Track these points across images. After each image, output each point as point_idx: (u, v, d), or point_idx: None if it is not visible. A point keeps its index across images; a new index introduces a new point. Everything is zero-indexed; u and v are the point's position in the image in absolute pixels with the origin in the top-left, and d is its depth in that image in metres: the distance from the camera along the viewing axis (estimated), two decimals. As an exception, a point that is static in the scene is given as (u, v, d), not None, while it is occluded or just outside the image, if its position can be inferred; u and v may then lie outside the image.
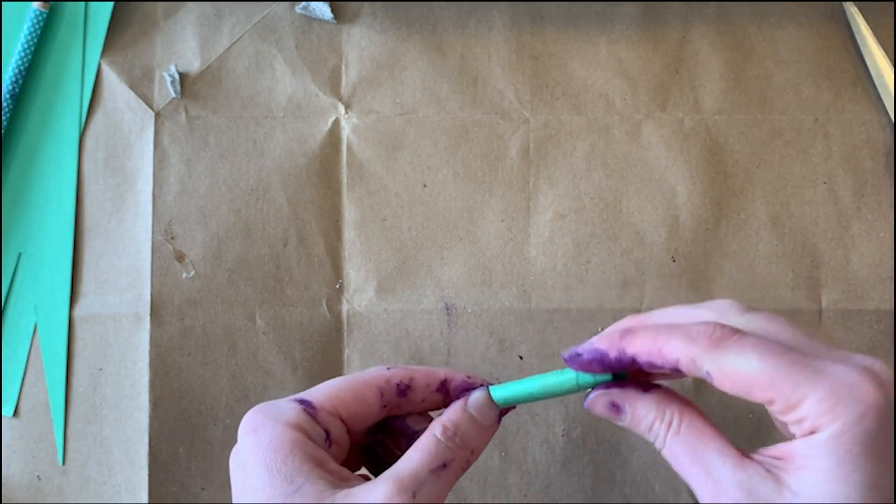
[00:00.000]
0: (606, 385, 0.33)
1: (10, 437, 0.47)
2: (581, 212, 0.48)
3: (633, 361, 0.32)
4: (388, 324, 0.48)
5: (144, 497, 0.46)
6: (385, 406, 0.35)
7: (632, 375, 0.34)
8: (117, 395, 0.47)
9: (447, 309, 0.48)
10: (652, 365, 0.31)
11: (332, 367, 0.47)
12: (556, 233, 0.48)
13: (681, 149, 0.48)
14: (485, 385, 0.36)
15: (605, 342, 0.32)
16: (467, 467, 0.34)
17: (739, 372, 0.29)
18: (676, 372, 0.31)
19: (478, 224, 0.48)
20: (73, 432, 0.47)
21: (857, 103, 0.48)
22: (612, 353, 0.32)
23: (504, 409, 0.36)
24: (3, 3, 0.48)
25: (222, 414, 0.47)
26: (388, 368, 0.35)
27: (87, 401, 0.47)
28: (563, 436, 0.47)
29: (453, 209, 0.48)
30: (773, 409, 0.29)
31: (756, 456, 0.30)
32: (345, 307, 0.48)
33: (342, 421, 0.34)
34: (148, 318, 0.47)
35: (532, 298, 0.48)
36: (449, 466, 0.32)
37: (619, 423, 0.33)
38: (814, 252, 0.48)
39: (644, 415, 0.32)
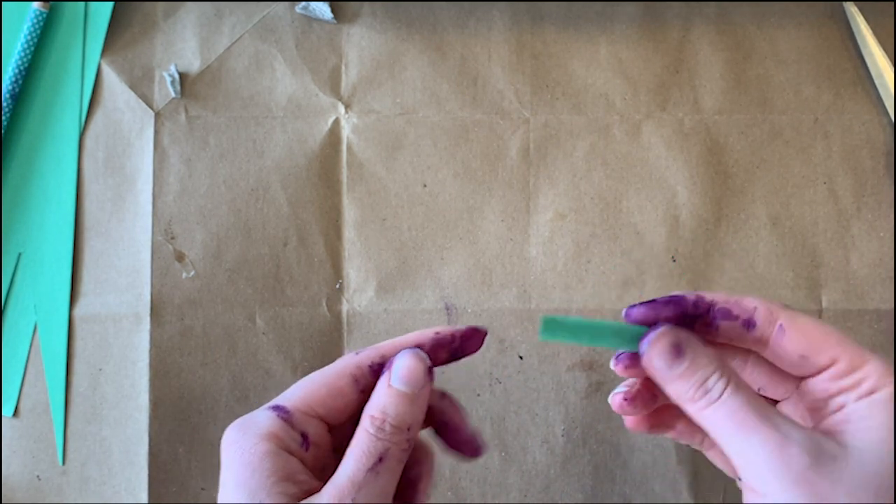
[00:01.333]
0: (672, 325, 0.32)
1: (10, 437, 0.47)
2: (581, 212, 0.48)
3: (710, 308, 0.32)
4: (388, 324, 0.48)
5: (144, 497, 0.46)
6: (363, 391, 0.34)
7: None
8: (117, 395, 0.47)
9: (447, 309, 0.48)
10: (727, 313, 0.32)
11: (332, 367, 0.47)
12: (556, 233, 0.48)
13: (681, 149, 0.48)
14: (462, 336, 0.35)
15: (680, 292, 0.33)
16: (409, 448, 0.33)
17: (811, 327, 0.31)
18: (747, 326, 0.32)
19: (478, 224, 0.48)
20: (73, 432, 0.47)
21: (857, 103, 0.48)
22: (690, 297, 0.32)
23: (431, 365, 0.34)
24: (3, 3, 0.48)
25: (222, 414, 0.47)
26: (357, 352, 0.34)
27: (87, 401, 0.47)
28: (562, 436, 0.47)
29: (453, 209, 0.48)
30: (832, 371, 0.31)
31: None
32: (345, 307, 0.48)
33: (321, 419, 0.33)
34: (148, 318, 0.47)
35: (532, 298, 0.48)
36: (386, 458, 0.32)
37: (669, 372, 0.32)
38: (814, 252, 0.48)
39: (705, 364, 0.31)
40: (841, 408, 0.30)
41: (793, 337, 0.31)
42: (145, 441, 0.47)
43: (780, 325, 0.32)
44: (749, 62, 0.49)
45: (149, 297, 0.47)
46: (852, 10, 0.48)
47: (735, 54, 0.49)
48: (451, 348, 0.34)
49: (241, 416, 0.33)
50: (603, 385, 0.47)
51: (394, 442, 0.32)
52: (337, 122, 0.49)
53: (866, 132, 0.48)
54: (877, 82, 0.48)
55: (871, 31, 0.48)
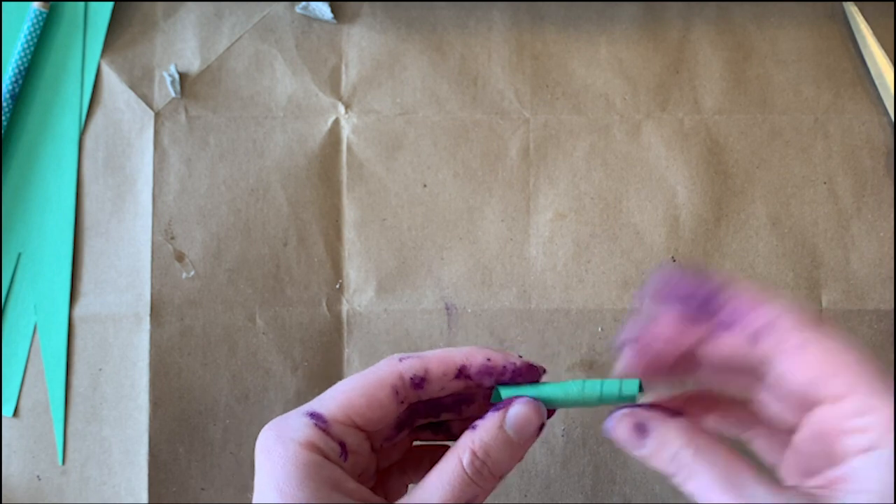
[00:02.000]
0: (634, 405, 0.32)
1: (10, 437, 0.47)
2: (581, 212, 0.48)
3: (718, 308, 0.30)
4: (388, 324, 0.48)
5: (144, 497, 0.46)
6: (402, 402, 0.32)
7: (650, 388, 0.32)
8: (117, 395, 0.47)
9: (447, 309, 0.48)
10: (736, 316, 0.30)
11: (332, 367, 0.47)
12: (556, 233, 0.48)
13: (681, 149, 0.48)
14: (514, 371, 0.33)
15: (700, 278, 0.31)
16: (490, 493, 0.31)
17: (827, 354, 0.28)
18: (751, 340, 0.29)
19: (478, 224, 0.48)
20: (73, 432, 0.47)
21: (857, 103, 0.48)
22: (707, 286, 0.30)
23: (545, 422, 0.32)
24: (3, 3, 0.48)
25: (222, 414, 0.47)
26: (401, 359, 0.33)
27: (87, 401, 0.47)
28: (562, 436, 0.47)
29: (453, 209, 0.48)
30: (837, 409, 0.28)
31: (795, 487, 0.29)
32: (345, 307, 0.48)
33: (358, 428, 0.32)
34: (148, 318, 0.47)
35: (532, 298, 0.48)
36: (472, 503, 0.31)
37: (639, 452, 0.31)
38: (814, 252, 0.48)
39: (672, 438, 0.30)
40: (843, 459, 0.28)
41: (802, 363, 0.29)
42: (145, 441, 0.47)
43: (792, 346, 0.29)
44: (749, 62, 0.49)
45: (149, 297, 0.47)
46: (852, 10, 0.48)
47: (735, 54, 0.49)
48: (498, 379, 0.33)
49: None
50: (603, 385, 0.47)
51: (484, 488, 0.31)
52: (337, 122, 0.49)
53: (866, 132, 0.48)
54: (877, 82, 0.48)
55: (871, 31, 0.48)
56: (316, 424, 0.31)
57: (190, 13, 0.49)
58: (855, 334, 0.47)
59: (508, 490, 0.47)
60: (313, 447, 0.30)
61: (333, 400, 0.32)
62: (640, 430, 0.31)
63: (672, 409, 0.32)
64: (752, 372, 0.32)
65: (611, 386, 0.32)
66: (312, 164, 0.48)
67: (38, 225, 0.48)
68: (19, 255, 0.48)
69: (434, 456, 0.35)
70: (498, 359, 0.33)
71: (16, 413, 0.47)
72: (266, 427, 0.32)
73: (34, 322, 0.48)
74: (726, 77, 0.49)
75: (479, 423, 0.32)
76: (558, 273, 0.48)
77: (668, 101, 0.49)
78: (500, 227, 0.48)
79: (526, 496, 0.47)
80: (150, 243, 0.48)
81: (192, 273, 0.48)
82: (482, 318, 0.47)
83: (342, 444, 0.31)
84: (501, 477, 0.32)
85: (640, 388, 0.32)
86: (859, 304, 0.47)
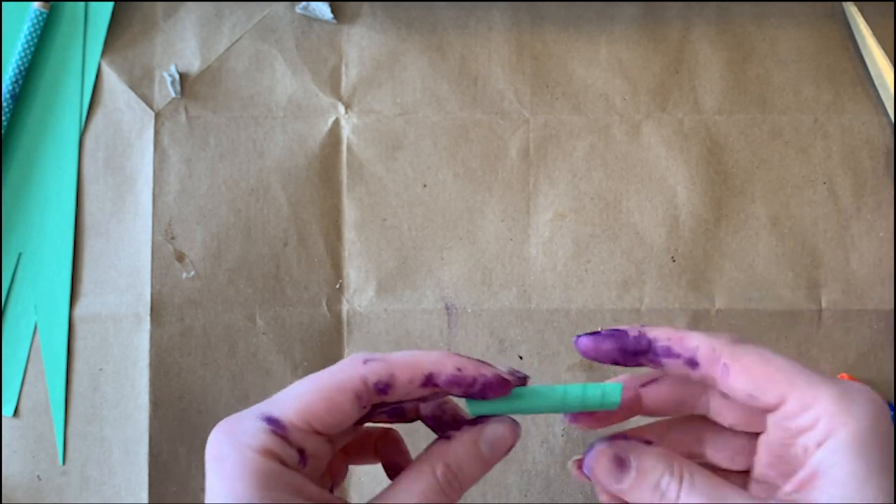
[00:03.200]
0: (608, 438, 0.32)
1: (10, 437, 0.47)
2: (581, 212, 0.48)
3: (650, 345, 0.31)
4: (388, 324, 0.48)
5: (144, 497, 0.46)
6: (364, 407, 0.31)
7: (632, 389, 0.33)
8: (117, 395, 0.47)
9: (447, 309, 0.48)
10: (668, 351, 0.31)
11: (332, 367, 0.47)
12: (556, 233, 0.48)
13: (681, 149, 0.48)
14: (485, 383, 0.31)
15: (626, 327, 0.32)
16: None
17: (758, 365, 0.29)
18: (690, 364, 0.31)
19: (478, 224, 0.48)
20: (73, 432, 0.47)
21: (857, 103, 0.48)
22: (632, 332, 0.31)
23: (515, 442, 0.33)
24: (3, 3, 0.48)
25: (222, 414, 0.47)
26: (365, 361, 0.31)
27: (87, 401, 0.47)
28: (562, 436, 0.47)
29: (453, 209, 0.48)
30: (783, 412, 0.29)
31: (773, 500, 0.29)
32: (345, 307, 0.48)
33: (318, 433, 0.30)
34: (148, 318, 0.47)
35: (532, 298, 0.48)
36: None
37: (619, 486, 0.31)
38: (814, 252, 0.48)
39: (652, 467, 0.30)
40: (806, 457, 0.29)
41: (737, 378, 0.30)
42: (145, 441, 0.47)
43: (724, 364, 0.30)
44: (749, 62, 0.49)
45: (149, 297, 0.47)
46: (852, 10, 0.48)
47: (735, 54, 0.49)
48: (467, 390, 0.31)
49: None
50: (603, 385, 0.47)
51: (453, 499, 0.31)
52: (337, 122, 0.49)
53: (866, 132, 0.48)
54: (877, 82, 0.48)
55: (870, 31, 0.48)
56: (273, 431, 0.29)
57: (190, 13, 0.49)
58: (855, 334, 0.47)
59: (508, 490, 0.47)
60: (271, 454, 0.29)
61: (290, 404, 0.30)
62: (620, 463, 0.31)
63: (642, 438, 0.32)
64: (698, 391, 0.33)
65: (593, 391, 0.32)
66: (312, 164, 0.48)
67: (38, 225, 0.48)
68: (19, 255, 0.48)
69: (380, 442, 0.35)
70: (469, 369, 0.31)
71: (16, 413, 0.47)
72: (216, 430, 0.30)
73: (34, 322, 0.48)
74: (726, 77, 0.49)
75: (455, 436, 0.32)
76: (558, 273, 0.48)
77: (668, 101, 0.49)
78: (500, 227, 0.48)
79: (526, 496, 0.47)
80: (150, 243, 0.48)
81: (193, 273, 0.48)
82: (482, 318, 0.47)
83: (301, 451, 0.30)
84: (467, 488, 0.32)
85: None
86: (859, 303, 0.47)
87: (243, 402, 0.47)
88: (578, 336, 0.32)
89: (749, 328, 0.47)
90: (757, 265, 0.48)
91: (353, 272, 0.48)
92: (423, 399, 0.33)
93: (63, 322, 0.48)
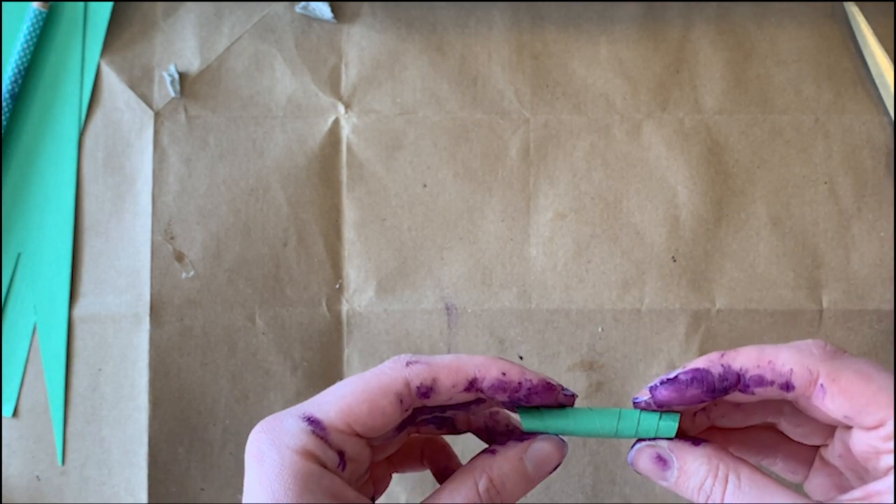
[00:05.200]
0: (652, 438, 0.31)
1: (9, 437, 0.47)
2: (581, 212, 0.48)
3: (739, 379, 0.29)
4: (388, 324, 0.47)
5: (144, 497, 0.46)
6: (406, 410, 0.30)
7: (725, 405, 0.32)
8: (117, 396, 0.47)
9: (447, 309, 0.48)
10: (761, 380, 0.29)
11: (332, 367, 0.47)
12: (556, 233, 0.48)
13: (681, 149, 0.48)
14: (530, 388, 0.31)
15: (704, 361, 0.30)
16: None
17: (859, 385, 0.28)
18: (784, 389, 0.29)
19: (478, 224, 0.48)
20: (73, 432, 0.47)
21: (857, 103, 0.48)
22: (716, 370, 0.29)
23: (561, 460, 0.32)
24: (3, 3, 0.48)
25: (222, 414, 0.47)
26: (408, 363, 0.30)
27: (86, 401, 0.47)
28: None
29: (453, 209, 0.48)
30: (877, 433, 0.28)
31: (832, 499, 0.29)
32: (345, 307, 0.48)
33: (358, 436, 0.30)
34: (147, 318, 0.47)
35: (532, 298, 0.47)
36: None
37: (664, 483, 0.30)
38: (814, 252, 0.48)
39: (695, 470, 0.30)
40: (884, 474, 0.28)
41: (835, 398, 0.28)
42: (145, 441, 0.47)
43: (821, 386, 0.29)
44: (749, 62, 0.49)
45: (148, 298, 0.47)
46: (852, 10, 0.48)
47: (735, 54, 0.49)
48: (512, 395, 0.31)
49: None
50: (603, 385, 0.47)
51: None
52: (337, 122, 0.49)
53: (867, 132, 0.48)
54: (877, 82, 0.48)
55: (871, 31, 0.48)
56: (314, 432, 0.29)
57: (190, 13, 0.49)
58: (855, 334, 0.47)
59: (508, 490, 0.47)
60: (311, 456, 0.29)
61: (332, 405, 0.30)
62: (661, 462, 0.31)
63: (694, 438, 0.31)
64: (770, 408, 0.32)
65: (648, 421, 0.31)
66: (312, 164, 0.48)
67: (37, 225, 0.48)
68: (19, 255, 0.48)
69: (426, 449, 0.35)
70: (514, 374, 0.31)
71: (15, 413, 0.47)
72: (257, 429, 0.30)
73: (34, 322, 0.48)
74: (727, 77, 0.49)
75: (500, 451, 0.31)
76: (558, 273, 0.48)
77: (668, 101, 0.49)
78: (500, 227, 0.48)
79: (526, 496, 0.47)
80: (149, 243, 0.48)
81: (192, 273, 0.48)
82: (482, 319, 0.47)
83: (341, 454, 0.29)
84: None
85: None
86: (860, 304, 0.47)
87: (243, 402, 0.47)
88: (654, 387, 0.30)
89: (749, 328, 0.47)
90: (758, 265, 0.48)
91: (353, 272, 0.48)
92: (466, 405, 0.33)
93: (62, 322, 0.47)
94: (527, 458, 0.31)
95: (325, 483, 0.28)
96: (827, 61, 0.49)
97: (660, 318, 0.47)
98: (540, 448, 0.31)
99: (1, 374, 0.47)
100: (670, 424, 0.31)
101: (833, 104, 0.48)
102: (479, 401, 0.32)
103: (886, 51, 0.48)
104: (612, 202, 0.48)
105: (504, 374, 0.30)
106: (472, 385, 0.30)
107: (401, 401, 0.30)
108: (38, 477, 0.47)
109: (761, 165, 0.48)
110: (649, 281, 0.47)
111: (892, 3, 0.49)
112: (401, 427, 0.33)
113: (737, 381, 0.29)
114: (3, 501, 0.47)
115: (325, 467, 0.29)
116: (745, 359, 0.29)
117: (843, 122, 0.48)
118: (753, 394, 0.30)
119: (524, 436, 0.32)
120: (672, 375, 0.30)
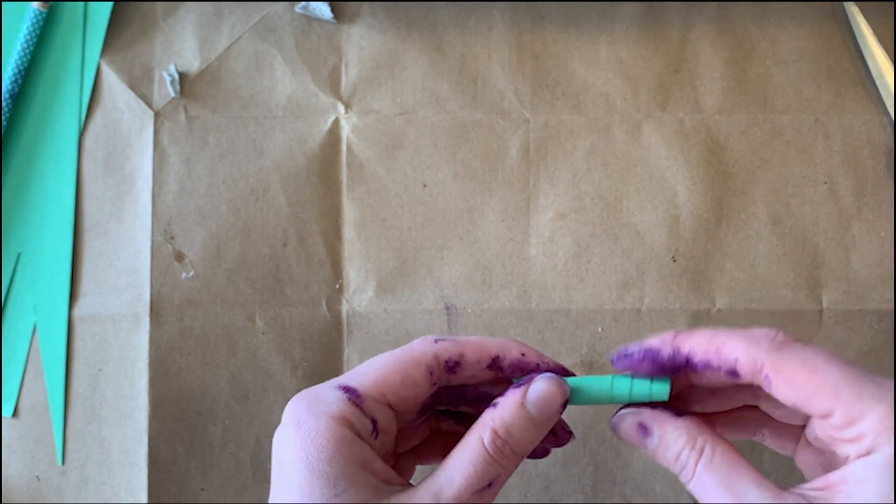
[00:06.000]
0: (636, 405, 0.32)
1: (9, 437, 0.47)
2: (581, 212, 0.48)
3: (688, 361, 0.31)
4: (388, 324, 0.47)
5: (144, 497, 0.46)
6: (434, 384, 0.32)
7: (679, 385, 0.33)
8: (116, 396, 0.47)
9: (447, 309, 0.48)
10: (707, 365, 0.30)
11: (331, 367, 0.47)
12: (556, 233, 0.48)
13: (681, 149, 0.48)
14: (547, 370, 0.32)
15: (658, 341, 0.31)
16: (509, 476, 0.31)
17: (803, 376, 0.29)
18: (731, 375, 0.30)
19: (478, 224, 0.48)
20: (73, 432, 0.47)
21: (857, 103, 0.48)
22: (666, 351, 0.31)
23: (567, 399, 0.32)
24: (3, 3, 0.48)
25: (221, 414, 0.47)
26: (436, 341, 0.32)
27: (86, 401, 0.47)
28: (563, 436, 0.47)
29: (453, 209, 0.48)
30: (828, 423, 0.28)
31: (795, 490, 0.29)
32: (345, 307, 0.48)
33: (390, 406, 0.31)
34: (147, 318, 0.47)
35: (532, 298, 0.47)
36: (495, 483, 0.30)
37: (644, 450, 0.31)
38: (814, 252, 0.48)
39: (674, 440, 0.30)
40: (842, 462, 0.29)
41: (781, 389, 0.29)
42: (145, 441, 0.47)
43: (766, 375, 0.29)
44: (749, 62, 0.49)
45: (148, 298, 0.47)
46: (853, 10, 0.48)
47: (735, 54, 0.49)
48: (530, 375, 0.32)
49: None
50: (603, 385, 0.47)
51: (507, 468, 0.30)
52: (337, 122, 0.49)
53: (867, 132, 0.48)
54: (877, 82, 0.48)
55: (871, 31, 0.48)
56: (350, 399, 0.30)
57: (190, 13, 0.49)
58: (856, 334, 0.47)
59: (508, 490, 0.47)
60: (346, 422, 0.30)
61: (367, 376, 0.31)
62: (643, 429, 0.31)
63: (677, 409, 0.32)
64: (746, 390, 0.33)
65: (641, 386, 0.32)
66: (312, 164, 0.48)
67: (37, 225, 0.48)
68: (19, 255, 0.48)
69: (448, 443, 0.35)
70: (532, 356, 0.33)
71: (15, 413, 0.47)
72: (295, 398, 0.31)
73: (34, 322, 0.48)
74: (727, 77, 0.49)
75: (500, 400, 0.31)
76: (558, 273, 0.48)
77: (668, 101, 0.49)
78: (500, 227, 0.48)
79: (526, 496, 0.47)
80: (149, 243, 0.48)
81: (192, 273, 0.48)
82: (482, 319, 0.47)
83: (374, 422, 0.30)
84: (524, 455, 0.31)
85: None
86: (860, 304, 0.47)
87: (243, 402, 0.47)
88: (614, 359, 0.32)
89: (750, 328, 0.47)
90: (758, 265, 0.48)
91: (353, 272, 0.48)
92: (486, 384, 0.34)
93: (62, 322, 0.47)
94: (527, 401, 0.31)
95: (356, 450, 0.29)
96: (827, 61, 0.49)
97: (660, 318, 0.47)
98: (538, 388, 0.31)
99: (1, 374, 0.47)
100: (663, 388, 0.32)
101: (833, 104, 0.48)
102: (496, 379, 0.34)
103: (886, 51, 0.48)
104: (612, 202, 0.48)
105: (524, 354, 0.33)
106: (494, 363, 0.32)
107: (431, 373, 0.32)
108: (38, 477, 0.47)
109: (761, 165, 0.48)
110: (649, 281, 0.47)
111: (892, 3, 0.49)
112: (423, 409, 0.34)
113: (685, 363, 0.31)
114: (3, 501, 0.47)
115: (359, 435, 0.30)
116: (696, 342, 0.31)
117: (843, 122, 0.48)
118: (704, 376, 0.31)
119: (522, 382, 0.32)
120: (629, 351, 0.32)
